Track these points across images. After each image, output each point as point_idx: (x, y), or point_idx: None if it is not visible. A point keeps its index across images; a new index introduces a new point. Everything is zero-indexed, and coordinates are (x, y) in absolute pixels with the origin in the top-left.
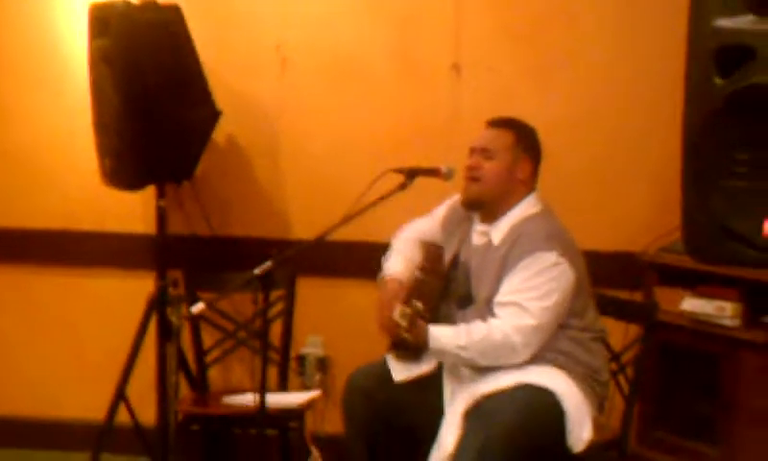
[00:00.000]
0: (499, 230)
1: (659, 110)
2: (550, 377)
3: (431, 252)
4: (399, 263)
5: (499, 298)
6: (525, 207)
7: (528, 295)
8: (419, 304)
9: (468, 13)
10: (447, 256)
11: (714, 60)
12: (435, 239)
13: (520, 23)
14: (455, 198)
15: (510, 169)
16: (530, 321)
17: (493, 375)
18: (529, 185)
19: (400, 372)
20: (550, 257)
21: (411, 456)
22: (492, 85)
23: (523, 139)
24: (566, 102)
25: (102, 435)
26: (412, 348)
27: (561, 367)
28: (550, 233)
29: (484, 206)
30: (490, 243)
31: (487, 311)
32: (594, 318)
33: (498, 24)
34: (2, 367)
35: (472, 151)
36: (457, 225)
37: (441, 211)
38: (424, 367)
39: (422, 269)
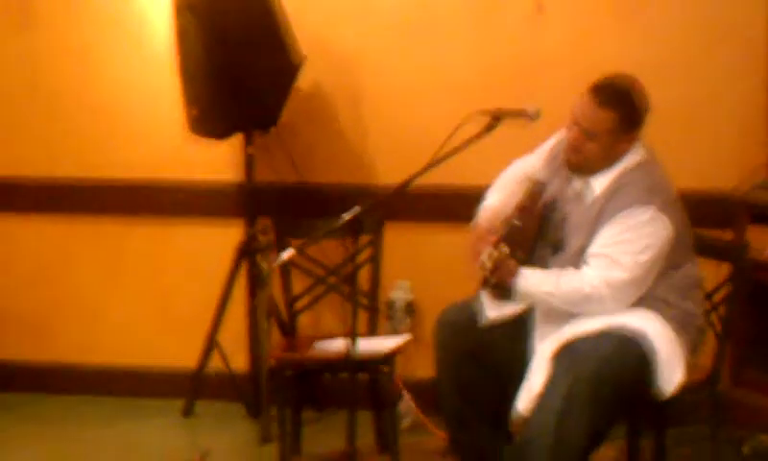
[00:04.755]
0: (600, 182)
1: (746, 46)
2: (643, 319)
3: (533, 190)
4: (499, 199)
5: (593, 249)
6: (628, 159)
7: (622, 248)
8: (505, 250)
9: None
10: (546, 196)
11: None
12: (539, 176)
13: None
14: (561, 135)
15: (611, 147)
16: (622, 275)
17: (585, 316)
18: (631, 145)
19: (492, 310)
20: (647, 212)
21: (499, 395)
22: (575, 25)
23: (627, 117)
24: (650, 40)
25: (195, 382)
26: (501, 290)
27: (655, 310)
28: (650, 186)
29: (587, 174)
30: (588, 192)
31: (578, 261)
32: (693, 268)
33: None
34: (95, 317)
35: (574, 121)
36: (559, 166)
37: (545, 148)
38: (516, 307)
39: (522, 208)
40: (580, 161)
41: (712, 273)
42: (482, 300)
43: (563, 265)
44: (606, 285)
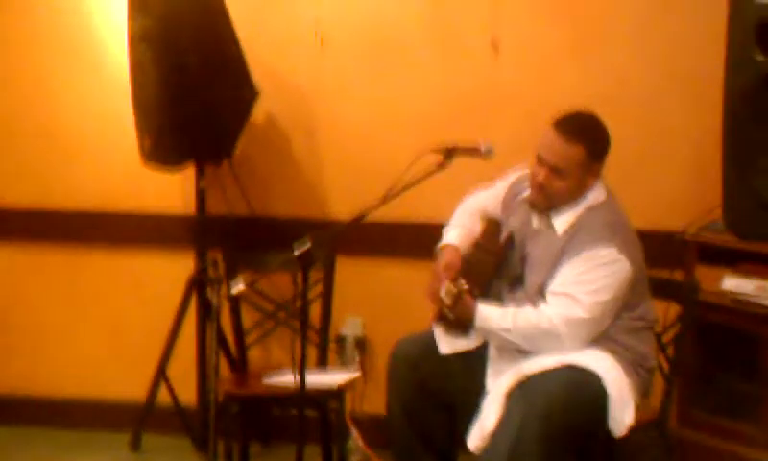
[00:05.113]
0: (562, 220)
1: (698, 87)
2: (595, 359)
3: (490, 227)
4: (458, 236)
5: (553, 287)
6: (590, 198)
7: (583, 288)
8: (465, 285)
9: None
10: (504, 234)
11: (755, 36)
12: (495, 214)
13: None
14: (519, 172)
15: (580, 182)
16: (580, 314)
17: (538, 355)
18: (596, 179)
19: (446, 344)
20: (609, 252)
21: (450, 430)
22: (531, 61)
23: (594, 149)
24: (605, 78)
25: (143, 415)
26: (455, 325)
27: (608, 350)
28: (612, 226)
29: (551, 211)
30: (550, 230)
31: (537, 297)
32: (647, 308)
33: None
34: (43, 348)
35: (540, 160)
36: (519, 203)
37: (503, 185)
38: (470, 342)
39: (478, 245)
40: (546, 201)
41: (662, 312)
42: (435, 334)
43: (520, 302)
44: (564, 324)
